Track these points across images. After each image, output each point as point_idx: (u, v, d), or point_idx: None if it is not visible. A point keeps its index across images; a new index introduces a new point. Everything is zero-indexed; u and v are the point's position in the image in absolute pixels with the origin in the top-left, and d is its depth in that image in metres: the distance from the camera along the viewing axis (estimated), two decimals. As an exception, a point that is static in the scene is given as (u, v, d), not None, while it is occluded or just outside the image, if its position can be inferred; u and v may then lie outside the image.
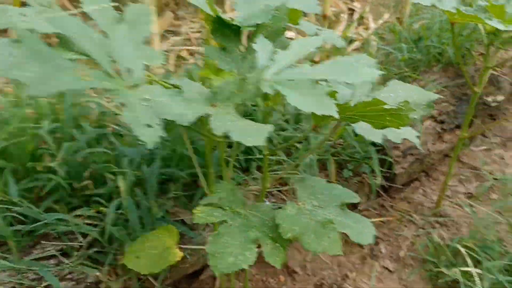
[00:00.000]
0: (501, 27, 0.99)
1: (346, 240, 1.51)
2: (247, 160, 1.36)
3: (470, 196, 1.66)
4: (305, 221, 0.76)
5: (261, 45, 0.80)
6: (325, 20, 2.29)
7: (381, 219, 1.54)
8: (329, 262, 1.45)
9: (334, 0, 2.86)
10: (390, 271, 1.43)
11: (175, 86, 0.76)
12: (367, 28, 2.73)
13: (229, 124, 0.68)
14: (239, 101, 0.76)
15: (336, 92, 0.71)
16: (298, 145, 1.50)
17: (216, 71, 0.87)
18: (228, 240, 0.73)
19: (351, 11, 3.11)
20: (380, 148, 1.51)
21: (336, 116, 0.65)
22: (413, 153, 1.58)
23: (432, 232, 1.47)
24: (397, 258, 1.45)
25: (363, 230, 0.76)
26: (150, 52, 0.75)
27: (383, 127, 0.77)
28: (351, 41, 2.54)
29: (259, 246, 0.76)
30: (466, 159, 1.80)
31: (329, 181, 0.85)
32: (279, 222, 0.76)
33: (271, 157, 1.41)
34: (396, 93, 0.95)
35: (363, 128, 0.84)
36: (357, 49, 2.51)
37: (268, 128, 0.67)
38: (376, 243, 1.50)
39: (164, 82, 0.79)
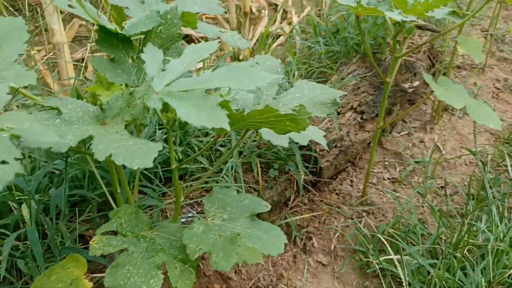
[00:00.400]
0: (398, 18, 1.00)
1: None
2: (167, 171, 1.29)
3: (394, 181, 1.71)
4: (212, 238, 0.72)
5: (150, 54, 0.75)
6: (246, 17, 2.26)
7: (312, 214, 1.55)
8: (264, 263, 1.43)
9: None
10: (323, 264, 1.44)
11: (54, 108, 0.68)
12: (290, 23, 2.73)
13: (114, 147, 0.62)
14: (129, 118, 0.70)
15: (228, 102, 0.67)
16: (222, 149, 1.46)
17: (107, 85, 0.80)
18: (130, 270, 0.68)
19: (275, 6, 3.10)
20: (304, 145, 1.50)
21: (228, 128, 0.61)
22: (337, 145, 1.60)
23: (359, 221, 1.50)
24: (329, 251, 1.46)
25: (273, 240, 0.73)
26: (21, 72, 0.67)
27: (285, 132, 0.75)
28: (275, 37, 2.54)
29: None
30: (389, 145, 1.85)
31: (239, 191, 0.82)
32: (186, 242, 0.71)
33: (193, 165, 1.36)
34: (302, 93, 0.93)
35: (268, 133, 0.81)
36: (281, 44, 2.51)
37: (156, 148, 0.61)
38: (309, 238, 1.50)
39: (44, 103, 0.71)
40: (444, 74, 1.98)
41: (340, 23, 2.03)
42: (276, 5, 3.08)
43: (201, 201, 1.22)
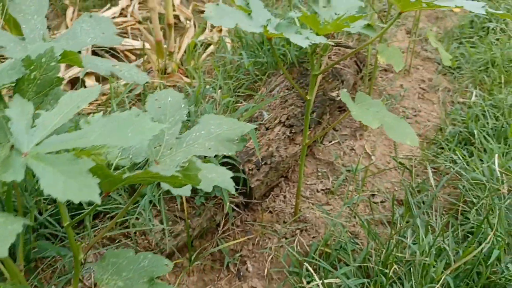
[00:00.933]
0: (304, 44, 0.96)
1: (212, 266, 1.43)
2: (78, 214, 1.18)
3: (328, 192, 1.69)
4: (103, 314, 0.64)
5: (17, 109, 0.65)
6: (170, 28, 2.16)
7: (245, 238, 1.49)
8: (197, 295, 1.36)
9: (179, 8, 2.74)
10: (259, 289, 1.39)
11: None
12: (220, 31, 2.66)
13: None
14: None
15: (103, 165, 0.59)
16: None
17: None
18: None
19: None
20: (231, 166, 1.44)
21: (98, 201, 0.53)
22: (267, 162, 1.55)
23: (293, 240, 1.46)
24: (264, 275, 1.41)
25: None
26: None
27: (181, 186, 0.68)
28: (206, 47, 2.45)
29: None
30: (321, 155, 1.84)
31: (138, 251, 0.74)
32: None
33: (107, 205, 1.25)
34: (208, 129, 0.86)
35: (167, 185, 0.73)
36: (212, 53, 2.43)
37: (14, 230, 0.52)
38: (243, 262, 1.45)
39: None
40: (370, 79, 1.99)
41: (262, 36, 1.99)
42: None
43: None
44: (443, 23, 2.76)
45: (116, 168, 0.70)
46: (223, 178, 0.80)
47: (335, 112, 1.96)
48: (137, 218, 1.23)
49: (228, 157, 1.45)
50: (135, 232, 1.25)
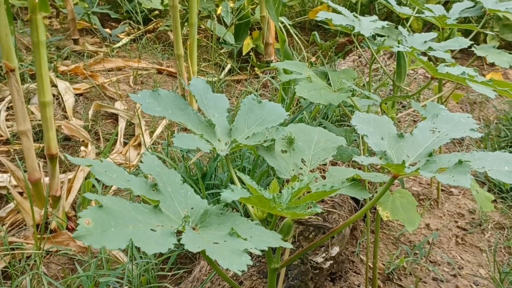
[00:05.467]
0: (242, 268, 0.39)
1: None
2: None
3: None
4: None
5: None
6: (54, 163, 1.48)
7: None
8: None
9: (68, 126, 2.03)
10: None
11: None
12: (139, 146, 2.00)
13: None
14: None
15: None
16: None
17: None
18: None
19: (114, 118, 2.33)
20: None
21: None
22: None
23: None
24: None
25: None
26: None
27: None
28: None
29: None
30: None
31: None
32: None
33: None
34: None
35: None
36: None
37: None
38: None
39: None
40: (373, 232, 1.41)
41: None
42: (116, 116, 2.27)
43: None
44: (484, 114, 2.24)
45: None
46: None
47: (325, 284, 1.35)
48: None
49: None
50: None
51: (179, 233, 0.65)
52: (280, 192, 0.76)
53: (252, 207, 0.81)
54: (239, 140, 0.84)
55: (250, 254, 0.63)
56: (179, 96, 0.88)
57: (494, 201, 1.49)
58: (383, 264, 1.47)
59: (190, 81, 0.89)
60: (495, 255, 1.49)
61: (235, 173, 0.82)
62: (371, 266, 1.29)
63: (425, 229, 1.63)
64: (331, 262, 1.30)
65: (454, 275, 1.44)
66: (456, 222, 1.66)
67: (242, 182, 0.79)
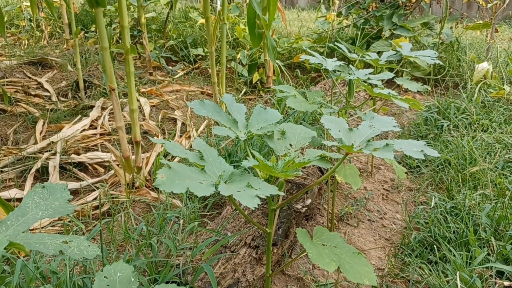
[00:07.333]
0: (253, 204, 0.98)
1: None
2: None
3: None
4: None
5: None
6: (138, 146, 2.19)
7: None
8: None
9: (147, 124, 2.84)
10: None
11: None
12: (189, 137, 2.73)
13: None
14: None
15: None
16: None
17: None
18: None
19: (173, 120, 3.11)
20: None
21: None
22: (233, 289, 1.51)
23: None
24: None
25: None
26: None
27: None
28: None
29: None
30: (290, 271, 1.81)
31: None
32: None
33: None
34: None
35: None
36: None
37: None
38: None
39: None
40: (332, 191, 2.03)
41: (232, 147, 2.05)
42: (175, 119, 3.10)
43: None
44: (400, 120, 2.91)
45: None
46: None
47: (302, 222, 1.97)
48: None
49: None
50: None
51: (216, 186, 1.18)
52: (277, 162, 1.32)
53: (260, 171, 1.37)
54: (253, 131, 1.39)
55: (260, 198, 1.19)
56: (217, 104, 1.42)
57: (406, 173, 2.19)
58: (337, 211, 2.11)
59: (223, 96, 1.44)
60: (406, 206, 2.16)
61: (250, 150, 1.38)
62: (331, 212, 1.93)
63: (364, 190, 2.30)
64: (306, 208, 1.93)
65: (381, 218, 2.11)
66: (382, 186, 2.34)
67: (253, 157, 1.35)
